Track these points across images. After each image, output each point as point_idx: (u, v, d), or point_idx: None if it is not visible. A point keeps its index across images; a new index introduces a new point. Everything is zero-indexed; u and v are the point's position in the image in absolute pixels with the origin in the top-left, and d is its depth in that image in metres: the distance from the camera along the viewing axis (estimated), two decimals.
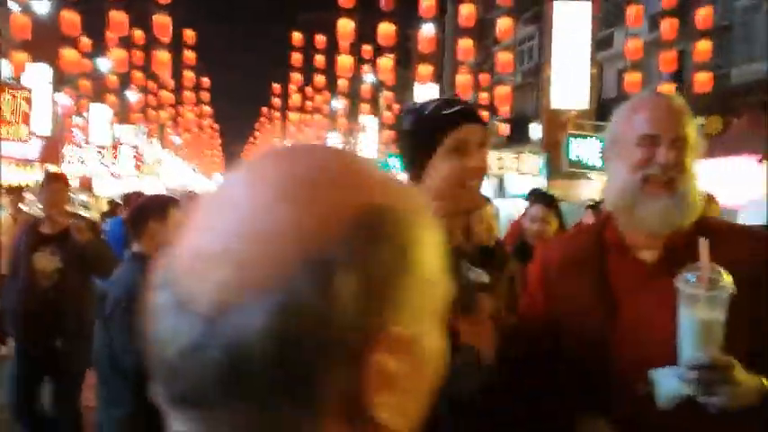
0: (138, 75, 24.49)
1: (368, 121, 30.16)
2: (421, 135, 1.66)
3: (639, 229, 1.59)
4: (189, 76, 28.48)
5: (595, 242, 1.68)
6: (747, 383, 1.37)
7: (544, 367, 1.68)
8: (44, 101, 16.45)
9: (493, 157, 16.83)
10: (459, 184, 1.61)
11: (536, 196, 3.87)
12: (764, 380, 1.41)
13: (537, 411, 1.79)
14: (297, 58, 28.75)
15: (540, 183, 11.05)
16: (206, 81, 35.07)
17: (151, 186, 25.57)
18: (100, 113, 25.64)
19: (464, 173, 1.60)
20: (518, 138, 22.62)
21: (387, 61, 16.87)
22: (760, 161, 6.71)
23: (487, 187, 16.35)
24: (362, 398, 0.51)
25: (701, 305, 1.35)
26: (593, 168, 9.86)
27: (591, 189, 10.70)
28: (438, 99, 1.73)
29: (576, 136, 10.07)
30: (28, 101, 9.85)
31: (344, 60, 16.87)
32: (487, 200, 3.50)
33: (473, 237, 3.17)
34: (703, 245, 1.39)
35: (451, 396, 1.45)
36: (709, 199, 4.78)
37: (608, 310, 1.56)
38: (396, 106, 29.45)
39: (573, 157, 9.17)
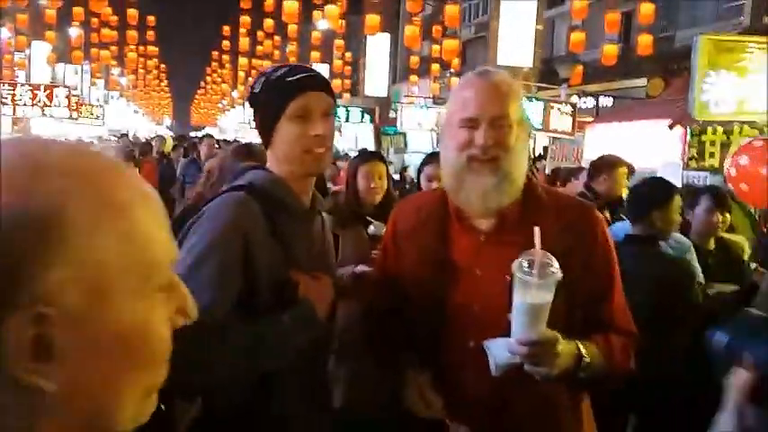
0: (78, 10, 23.47)
1: (319, 68, 29.69)
2: (268, 100, 1.70)
3: (467, 203, 1.71)
4: (132, 13, 27.41)
5: (441, 207, 1.79)
6: (566, 352, 1.53)
7: (388, 317, 1.81)
8: None
9: (434, 113, 16.80)
10: (303, 150, 1.66)
11: (430, 156, 4.04)
12: (579, 343, 1.57)
13: (378, 359, 1.94)
14: None
15: None
16: (151, 19, 33.82)
17: (91, 130, 24.81)
18: (40, 50, 24.62)
19: (308, 140, 1.65)
20: None
21: (334, 8, 16.56)
22: (670, 127, 6.93)
23: (429, 142, 16.43)
24: (7, 362, 0.56)
25: (532, 291, 1.47)
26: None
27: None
28: (290, 65, 1.76)
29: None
30: None
31: (291, 5, 16.48)
32: (381, 158, 3.62)
33: (370, 194, 3.33)
34: (537, 233, 1.51)
35: (285, 347, 1.56)
36: (616, 163, 4.96)
37: (447, 271, 1.69)
38: (348, 54, 29.02)
39: None
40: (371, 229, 3.23)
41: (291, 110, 1.65)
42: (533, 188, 1.75)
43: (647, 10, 14.45)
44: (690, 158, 6.69)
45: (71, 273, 0.57)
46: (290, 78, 1.67)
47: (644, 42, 14.87)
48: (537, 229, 1.51)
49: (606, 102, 17.51)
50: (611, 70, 16.30)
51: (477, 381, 1.63)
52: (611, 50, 15.27)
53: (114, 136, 22.65)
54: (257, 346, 1.52)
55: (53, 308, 0.57)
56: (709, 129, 6.59)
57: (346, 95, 28.82)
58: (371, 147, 18.92)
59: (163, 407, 1.54)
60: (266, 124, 1.70)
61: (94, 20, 26.89)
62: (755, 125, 6.12)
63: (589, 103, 17.37)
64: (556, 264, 1.47)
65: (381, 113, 21.87)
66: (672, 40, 17.71)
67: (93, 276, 0.59)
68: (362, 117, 19.42)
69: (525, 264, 1.48)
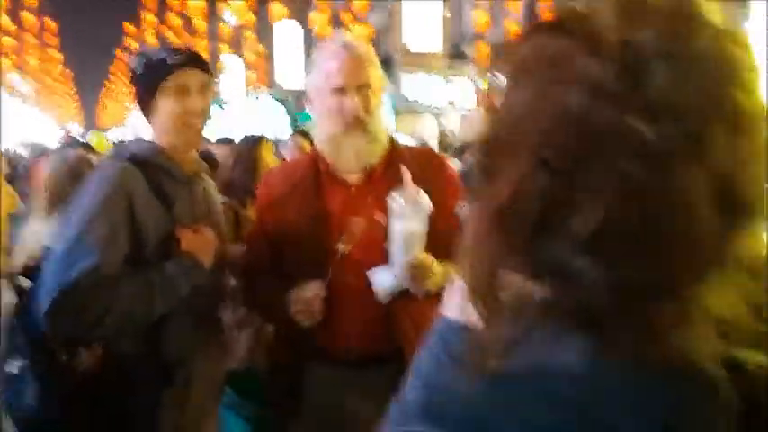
0: None
1: (231, 60, 29.22)
2: (147, 78, 1.86)
3: (343, 162, 1.92)
4: (31, 19, 26.34)
5: (311, 168, 1.97)
6: (440, 272, 1.76)
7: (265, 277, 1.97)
8: None
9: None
10: (182, 123, 1.83)
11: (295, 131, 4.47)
12: (449, 265, 1.79)
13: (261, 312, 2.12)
14: None
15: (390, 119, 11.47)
16: (53, 24, 32.56)
17: None
18: None
19: (185, 114, 1.83)
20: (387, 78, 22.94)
21: (242, 3, 16.43)
22: None
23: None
24: None
25: (405, 219, 1.70)
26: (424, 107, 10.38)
27: (433, 124, 11.25)
28: (167, 47, 1.93)
29: (409, 72, 10.51)
30: None
31: (195, 2, 16.26)
32: (267, 139, 3.84)
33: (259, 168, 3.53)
34: (405, 171, 1.74)
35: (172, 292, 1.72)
36: None
37: (324, 222, 1.88)
38: (260, 47, 28.77)
39: (408, 95, 9.61)
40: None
41: (168, 87, 1.82)
42: (396, 146, 1.97)
43: None
44: None
45: None
46: (166, 57, 1.82)
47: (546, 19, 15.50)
48: (404, 168, 1.75)
49: None
50: None
51: (363, 314, 1.83)
52: (514, 29, 15.82)
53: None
54: (147, 292, 1.68)
55: None
56: None
57: (264, 88, 28.59)
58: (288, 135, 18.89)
59: (64, 357, 1.69)
60: (146, 101, 1.87)
61: None
62: None
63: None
64: (425, 197, 1.71)
65: (298, 104, 21.85)
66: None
67: None
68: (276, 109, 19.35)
69: (398, 197, 1.71)
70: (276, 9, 15.88)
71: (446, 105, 10.26)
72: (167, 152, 1.88)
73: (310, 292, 1.80)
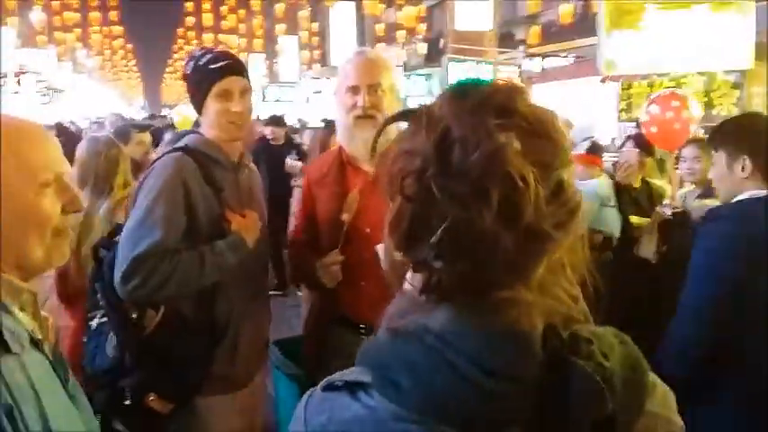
0: None
1: (286, 41, 29.75)
2: (196, 81, 2.22)
3: (357, 152, 2.22)
4: None
5: (338, 158, 2.28)
6: None
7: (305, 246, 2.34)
8: None
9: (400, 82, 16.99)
10: (226, 122, 2.18)
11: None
12: None
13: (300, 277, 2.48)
14: None
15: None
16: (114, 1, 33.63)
17: (60, 116, 24.83)
18: (5, 36, 24.44)
19: (228, 115, 2.17)
20: (436, 57, 22.92)
21: None
22: (602, 81, 7.46)
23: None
24: None
25: None
26: None
27: None
28: (212, 52, 2.26)
29: (455, 60, 10.67)
30: None
31: None
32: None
33: None
34: None
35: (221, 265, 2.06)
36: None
37: (341, 204, 2.19)
38: (314, 25, 29.18)
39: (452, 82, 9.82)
40: (288, 163, 3.86)
41: (215, 91, 2.16)
42: None
43: None
44: (620, 111, 7.23)
45: None
46: (212, 65, 2.17)
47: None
48: None
49: (566, 62, 17.86)
50: (570, 29, 16.72)
51: (378, 285, 2.15)
52: (567, 10, 15.71)
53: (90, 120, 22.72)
54: (200, 264, 2.04)
55: None
56: (635, 83, 7.11)
57: (316, 66, 29.00)
58: None
59: (135, 315, 2.08)
60: (196, 100, 2.23)
61: (55, 3, 26.76)
62: (672, 77, 6.66)
63: (553, 62, 17.73)
64: None
65: None
66: None
67: None
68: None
69: None
70: None
71: None
72: (215, 143, 2.22)
73: (329, 259, 2.16)
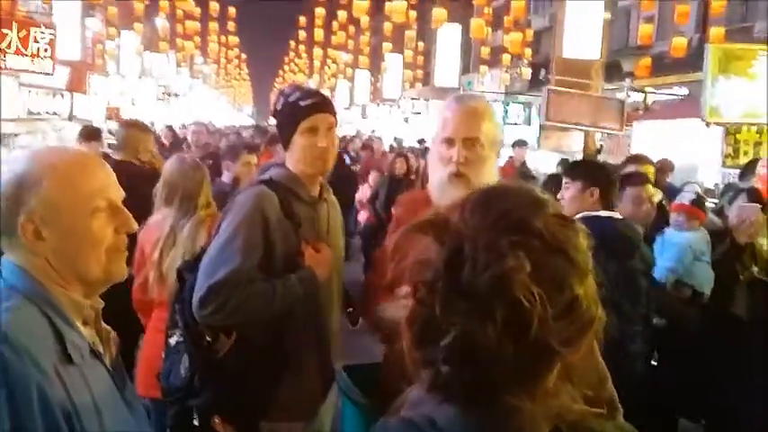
0: (163, 3, 24.87)
1: (391, 59, 30.19)
2: (286, 117, 2.33)
3: None
4: (214, 6, 28.76)
5: (427, 206, 2.13)
6: None
7: None
8: (73, 25, 16.96)
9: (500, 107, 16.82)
10: (311, 157, 2.28)
11: None
12: None
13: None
14: None
15: (529, 132, 11.34)
16: (232, 10, 35.21)
17: (177, 118, 26.21)
18: (129, 41, 26.04)
19: (314, 150, 2.27)
20: (540, 83, 22.56)
21: (401, 4, 17.03)
22: (707, 124, 7.14)
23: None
24: (27, 231, 1.31)
25: None
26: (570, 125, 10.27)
27: (579, 141, 11.10)
28: (301, 89, 2.37)
29: (555, 93, 10.49)
30: (53, 36, 10.43)
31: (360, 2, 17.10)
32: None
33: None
34: None
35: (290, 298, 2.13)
36: (635, 159, 5.31)
37: None
38: (421, 44, 29.49)
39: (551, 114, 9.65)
40: None
41: (303, 127, 2.26)
42: None
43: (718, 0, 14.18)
44: (726, 156, 6.91)
45: (38, 202, 1.31)
46: (302, 102, 2.28)
47: (716, 34, 14.63)
48: None
49: (672, 98, 17.11)
50: (683, 62, 16.05)
51: None
52: (680, 42, 15.05)
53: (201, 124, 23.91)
54: (272, 295, 2.14)
55: (35, 214, 1.31)
56: (744, 128, 6.78)
57: (419, 86, 29.25)
58: None
59: (209, 339, 2.20)
60: (285, 135, 2.34)
61: (179, 11, 28.34)
62: None
63: (660, 97, 17.07)
64: None
65: None
66: (749, 31, 17.27)
67: (51, 203, 1.32)
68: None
69: None
70: (437, 13, 16.29)
71: (592, 126, 10.18)
72: (298, 177, 2.32)
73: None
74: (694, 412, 3.64)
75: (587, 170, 3.31)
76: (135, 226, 1.45)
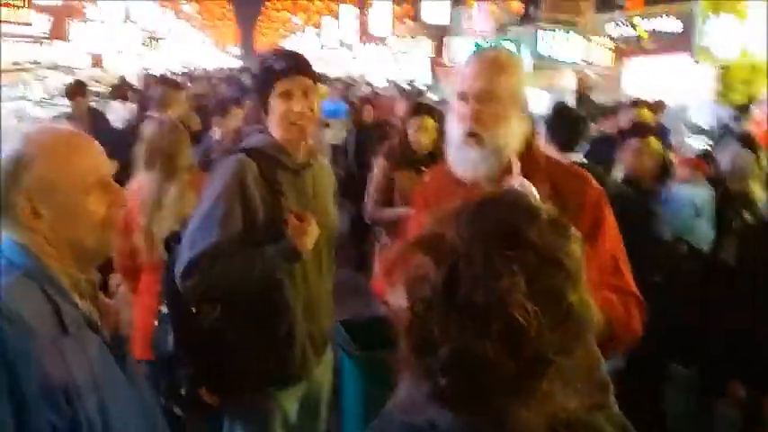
0: None
1: None
2: (261, 81, 2.28)
3: (460, 172, 1.83)
4: None
5: (449, 181, 1.89)
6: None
7: None
8: None
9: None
10: (289, 122, 2.23)
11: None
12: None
13: None
14: None
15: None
16: None
17: (161, 63, 25.70)
18: None
19: (290, 114, 2.21)
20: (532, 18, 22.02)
21: None
22: (696, 61, 7.02)
23: None
24: (24, 210, 1.36)
25: None
26: (561, 63, 10.06)
27: (570, 80, 10.93)
28: (278, 52, 2.31)
29: (544, 29, 10.25)
30: None
31: None
32: (429, 111, 4.19)
33: (420, 145, 3.87)
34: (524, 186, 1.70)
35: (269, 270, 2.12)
36: (634, 104, 5.25)
37: None
38: None
39: (541, 51, 9.42)
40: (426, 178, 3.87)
41: (277, 92, 2.21)
42: (534, 156, 1.84)
43: None
44: (718, 93, 6.84)
45: (33, 182, 1.36)
46: (276, 66, 2.21)
47: None
48: (524, 182, 1.70)
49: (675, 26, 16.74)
50: None
51: None
52: None
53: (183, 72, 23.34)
54: (251, 268, 2.13)
55: (32, 193, 1.35)
56: (732, 64, 6.69)
57: (408, 22, 28.64)
58: (427, 78, 18.96)
59: (194, 309, 2.22)
60: (262, 100, 2.29)
61: None
62: None
63: (656, 25, 16.67)
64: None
65: (441, 42, 21.80)
66: None
67: (46, 181, 1.37)
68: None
69: None
70: None
71: (583, 63, 10.03)
72: (279, 144, 2.27)
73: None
74: (686, 357, 3.69)
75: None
76: (126, 201, 1.54)
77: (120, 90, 11.05)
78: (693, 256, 3.57)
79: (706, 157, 4.04)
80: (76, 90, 6.58)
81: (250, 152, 2.25)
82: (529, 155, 1.83)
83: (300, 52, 2.36)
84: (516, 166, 1.72)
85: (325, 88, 10.77)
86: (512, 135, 1.79)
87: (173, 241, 2.35)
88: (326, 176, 2.53)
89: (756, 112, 4.50)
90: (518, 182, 1.67)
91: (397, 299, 0.88)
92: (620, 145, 3.70)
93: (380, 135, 6.18)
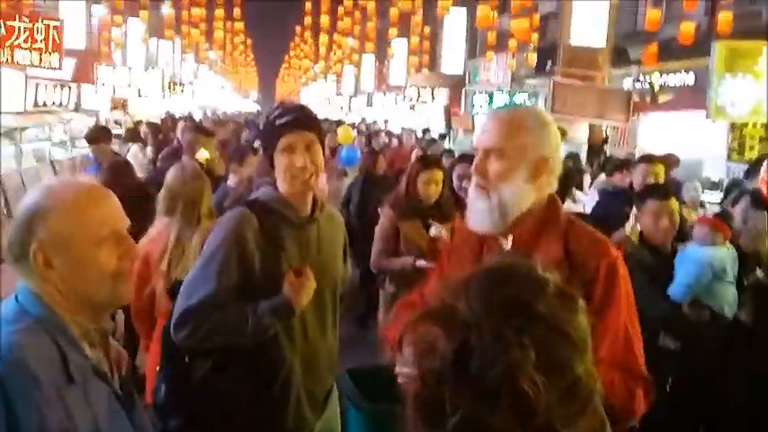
0: None
1: (397, 44, 30.04)
2: (266, 136, 2.33)
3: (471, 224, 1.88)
4: None
5: (469, 233, 1.93)
6: None
7: None
8: (79, 15, 16.92)
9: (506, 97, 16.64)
10: (291, 176, 2.25)
11: (462, 156, 4.60)
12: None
13: None
14: None
15: None
16: None
17: (182, 106, 26.21)
18: (135, 28, 25.97)
19: (292, 169, 2.24)
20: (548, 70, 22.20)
21: None
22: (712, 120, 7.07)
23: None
24: (37, 260, 1.40)
25: None
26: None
27: (584, 131, 11.00)
28: (281, 108, 2.34)
29: (560, 84, 10.39)
30: (59, 30, 10.44)
31: None
32: (439, 165, 4.25)
33: (428, 197, 3.91)
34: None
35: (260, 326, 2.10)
36: (647, 159, 5.26)
37: None
38: (426, 29, 29.27)
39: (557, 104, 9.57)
40: (432, 231, 3.88)
41: (280, 146, 2.24)
42: (554, 215, 1.84)
43: None
44: (731, 150, 6.86)
45: (48, 233, 1.39)
46: (278, 121, 2.26)
47: (723, 19, 14.45)
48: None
49: (689, 80, 16.78)
50: (690, 49, 15.77)
51: None
52: (688, 28, 14.86)
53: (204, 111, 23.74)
54: (244, 323, 2.12)
55: (45, 245, 1.39)
56: (749, 123, 6.73)
57: (425, 71, 29.12)
58: (441, 127, 19.12)
59: (187, 359, 2.22)
60: (268, 155, 2.32)
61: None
62: None
63: (670, 80, 16.73)
64: None
65: (457, 91, 22.09)
66: (758, 17, 16.97)
67: (60, 234, 1.40)
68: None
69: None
70: (442, 2, 16.15)
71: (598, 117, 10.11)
72: (284, 198, 2.27)
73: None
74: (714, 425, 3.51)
75: None
76: (138, 253, 1.58)
77: (136, 132, 11.25)
78: (715, 322, 3.36)
79: (725, 216, 3.82)
80: (99, 135, 6.73)
81: (254, 205, 2.27)
82: (548, 213, 1.84)
83: (306, 105, 2.39)
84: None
85: (349, 130, 10.87)
86: (519, 193, 1.80)
87: (177, 290, 2.36)
88: (334, 229, 2.50)
89: (764, 171, 4.48)
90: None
91: (405, 366, 0.89)
92: (637, 206, 3.61)
93: (389, 186, 5.77)
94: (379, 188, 6.11)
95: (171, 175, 3.46)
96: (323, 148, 2.33)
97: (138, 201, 3.42)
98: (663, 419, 3.15)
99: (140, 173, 7.00)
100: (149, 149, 9.47)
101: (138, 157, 8.29)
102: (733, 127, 6.91)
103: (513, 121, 1.84)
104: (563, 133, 5.47)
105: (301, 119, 2.28)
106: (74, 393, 1.34)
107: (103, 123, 14.65)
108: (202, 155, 5.04)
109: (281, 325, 2.18)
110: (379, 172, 7.04)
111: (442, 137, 17.46)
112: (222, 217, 2.31)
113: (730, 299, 3.39)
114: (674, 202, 3.47)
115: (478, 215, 1.83)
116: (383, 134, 15.68)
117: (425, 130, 18.05)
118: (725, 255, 3.48)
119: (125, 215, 1.52)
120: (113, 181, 4.60)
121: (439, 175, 4.12)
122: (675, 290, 3.29)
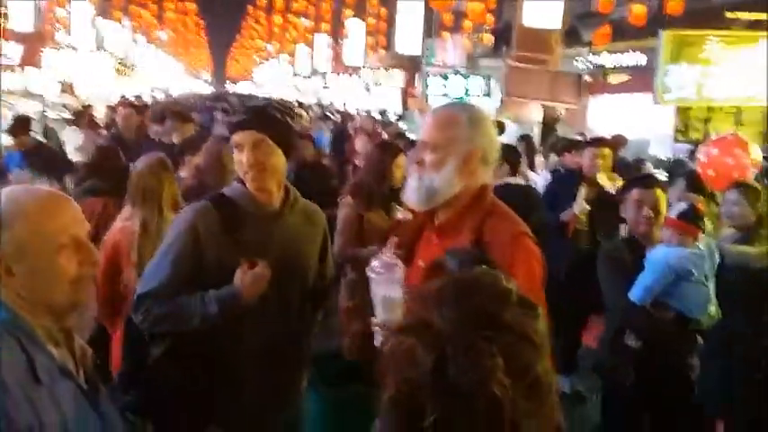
0: None
1: (353, 24, 29.85)
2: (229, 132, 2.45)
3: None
4: None
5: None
6: None
7: None
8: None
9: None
10: (243, 172, 2.34)
11: None
12: None
13: None
14: None
15: (489, 103, 11.29)
16: None
17: (133, 88, 25.62)
18: (82, 10, 25.23)
19: (242, 166, 2.33)
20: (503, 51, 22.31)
21: None
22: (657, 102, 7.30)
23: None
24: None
25: (381, 284, 1.94)
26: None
27: (538, 112, 11.18)
28: (246, 107, 2.49)
29: (514, 68, 10.55)
30: (5, 14, 10.12)
31: None
32: (401, 151, 4.32)
33: (392, 180, 3.96)
34: (391, 240, 2.04)
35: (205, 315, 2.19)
36: (595, 142, 5.41)
37: (407, 257, 2.08)
38: (383, 11, 29.07)
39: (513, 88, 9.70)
40: (398, 215, 3.89)
41: (233, 143, 2.35)
42: (482, 203, 2.07)
43: None
44: (677, 131, 7.10)
45: (7, 242, 1.41)
46: (233, 119, 2.40)
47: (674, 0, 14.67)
48: (392, 239, 2.06)
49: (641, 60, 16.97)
50: (641, 30, 15.96)
51: None
52: (639, 9, 15.07)
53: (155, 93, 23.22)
54: (189, 308, 2.21)
55: (5, 253, 1.41)
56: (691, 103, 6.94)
57: (381, 52, 29.05)
58: (398, 108, 19.15)
59: (147, 340, 2.32)
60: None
61: None
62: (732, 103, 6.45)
63: (623, 60, 16.91)
64: (400, 268, 1.92)
65: (415, 71, 22.10)
66: None
67: (19, 242, 1.42)
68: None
69: (376, 262, 1.96)
70: None
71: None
72: (248, 192, 2.34)
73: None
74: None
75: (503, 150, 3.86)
76: (97, 259, 1.58)
77: (82, 116, 10.95)
78: (679, 322, 3.22)
79: (690, 217, 3.32)
80: (17, 128, 6.60)
81: (216, 198, 2.35)
82: (473, 201, 2.07)
83: (269, 105, 2.47)
84: (392, 240, 2.03)
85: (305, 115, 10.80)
86: (448, 180, 2.04)
87: None
88: (310, 224, 2.53)
89: (701, 155, 4.61)
90: (391, 258, 1.95)
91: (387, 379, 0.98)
92: (621, 195, 3.53)
93: (320, 175, 5.93)
94: (315, 176, 5.85)
95: (138, 166, 3.49)
96: (287, 147, 2.38)
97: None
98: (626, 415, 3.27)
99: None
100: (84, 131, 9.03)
101: (74, 139, 8.14)
102: (679, 109, 7.15)
103: (446, 117, 2.11)
104: (500, 127, 5.69)
105: (249, 119, 2.35)
106: (41, 394, 1.38)
107: (49, 107, 14.30)
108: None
109: (238, 316, 2.22)
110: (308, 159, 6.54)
111: (400, 118, 17.50)
112: (182, 210, 2.42)
113: (700, 299, 3.23)
114: (658, 192, 3.40)
115: (409, 191, 2.10)
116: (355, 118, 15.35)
117: (382, 112, 18.06)
118: (689, 255, 3.23)
119: (85, 220, 1.55)
120: (102, 164, 4.56)
121: (403, 159, 4.16)
122: (635, 292, 3.21)
